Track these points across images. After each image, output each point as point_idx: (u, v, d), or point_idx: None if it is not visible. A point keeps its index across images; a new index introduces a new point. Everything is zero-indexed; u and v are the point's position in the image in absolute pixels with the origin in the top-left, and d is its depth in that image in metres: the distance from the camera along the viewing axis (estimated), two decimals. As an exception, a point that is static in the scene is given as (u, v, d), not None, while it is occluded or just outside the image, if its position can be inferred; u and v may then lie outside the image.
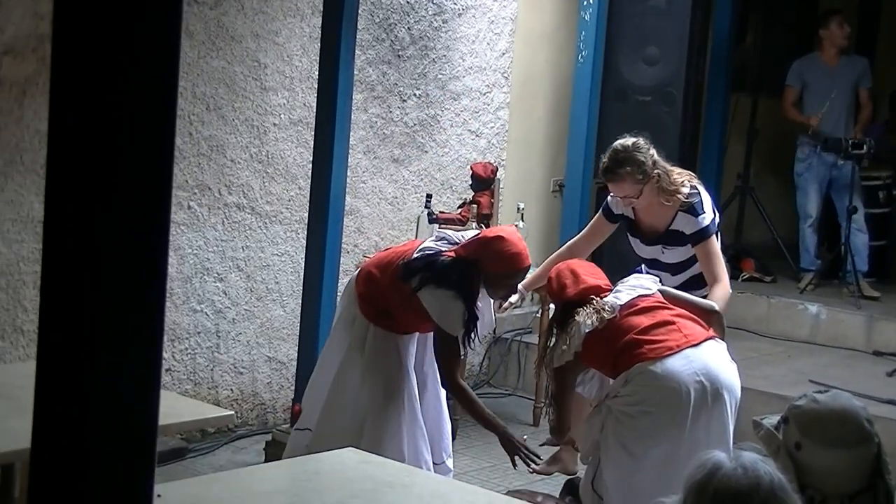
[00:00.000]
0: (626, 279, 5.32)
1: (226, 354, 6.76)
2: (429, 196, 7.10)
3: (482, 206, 7.12)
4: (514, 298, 5.54)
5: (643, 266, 5.81)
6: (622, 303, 5.01)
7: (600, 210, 5.88)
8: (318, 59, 6.51)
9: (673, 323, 4.96)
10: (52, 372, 1.55)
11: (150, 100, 1.50)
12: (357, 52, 6.45)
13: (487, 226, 6.96)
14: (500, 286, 5.22)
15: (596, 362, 5.15)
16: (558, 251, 6.03)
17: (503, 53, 8.11)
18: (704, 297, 5.42)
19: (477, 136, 8.00)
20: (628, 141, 5.59)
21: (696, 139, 8.85)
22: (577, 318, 5.00)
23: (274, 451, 6.18)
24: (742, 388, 5.07)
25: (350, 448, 4.19)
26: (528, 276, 5.62)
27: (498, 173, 7.16)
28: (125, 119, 1.48)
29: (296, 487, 3.68)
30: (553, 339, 5.17)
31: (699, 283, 5.62)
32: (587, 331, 4.95)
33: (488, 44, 8.00)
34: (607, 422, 4.86)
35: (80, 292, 1.52)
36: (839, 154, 9.02)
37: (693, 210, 5.57)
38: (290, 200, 6.94)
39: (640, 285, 5.19)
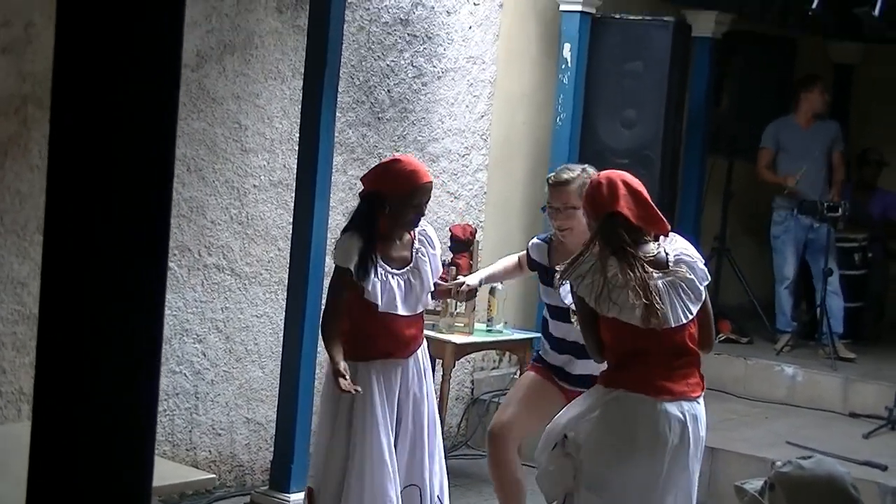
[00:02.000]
0: (681, 251, 4.81)
1: (204, 416, 6.73)
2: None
3: (461, 268, 7.13)
4: (470, 282, 5.62)
5: (554, 330, 5.70)
6: (672, 324, 4.64)
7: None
8: (298, 120, 6.55)
9: (694, 365, 4.77)
10: (46, 435, 1.55)
11: (152, 113, 1.51)
12: (337, 114, 6.48)
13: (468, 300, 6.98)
14: (406, 209, 5.19)
15: (602, 333, 4.78)
16: (510, 261, 6.02)
17: (482, 116, 8.16)
18: None
19: (456, 197, 8.04)
20: (579, 165, 5.72)
21: (674, 201, 8.90)
22: (611, 270, 4.61)
23: (252, 513, 6.17)
24: (720, 449, 5.07)
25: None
26: (482, 271, 5.85)
27: (477, 235, 7.18)
28: (126, 138, 1.49)
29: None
30: (581, 257, 4.76)
31: None
32: (612, 313, 4.61)
33: (467, 106, 8.05)
34: (579, 474, 4.74)
35: (78, 331, 1.52)
36: (815, 217, 9.09)
37: None
38: (269, 262, 6.95)
39: (695, 292, 4.77)
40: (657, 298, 4.58)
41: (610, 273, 4.57)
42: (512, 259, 6.03)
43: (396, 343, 5.28)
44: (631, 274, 4.55)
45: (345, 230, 5.28)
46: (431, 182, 5.29)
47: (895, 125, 10.66)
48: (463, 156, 8.03)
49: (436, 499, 5.40)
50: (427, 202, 5.29)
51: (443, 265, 7.29)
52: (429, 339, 6.89)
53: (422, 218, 5.31)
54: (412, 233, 5.36)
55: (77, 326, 1.52)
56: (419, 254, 5.33)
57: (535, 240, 5.85)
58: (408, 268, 5.28)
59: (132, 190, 1.52)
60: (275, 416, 6.51)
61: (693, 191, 9.33)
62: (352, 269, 5.12)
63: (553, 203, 5.57)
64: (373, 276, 5.14)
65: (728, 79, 9.84)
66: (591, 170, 5.62)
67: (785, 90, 9.79)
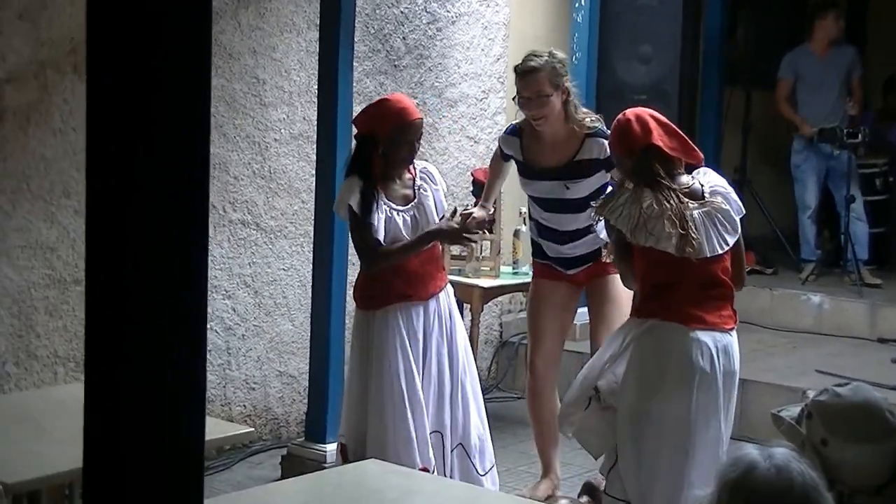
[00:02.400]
0: (716, 183, 4.83)
1: (237, 371, 6.79)
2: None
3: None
4: (478, 213, 5.53)
5: (538, 216, 5.71)
6: (707, 254, 4.66)
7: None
8: (315, 73, 6.56)
9: (727, 297, 4.80)
10: (100, 396, 1.57)
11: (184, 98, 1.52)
12: (354, 63, 6.49)
13: (491, 231, 7.01)
14: (399, 147, 5.19)
15: (636, 265, 4.82)
16: (496, 167, 6.04)
17: (498, 59, 8.15)
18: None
19: (475, 142, 8.04)
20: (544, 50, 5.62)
21: (693, 135, 8.88)
22: (646, 201, 4.63)
23: (290, 465, 6.22)
24: (750, 380, 5.10)
25: (372, 459, 4.23)
26: (484, 198, 5.86)
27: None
28: (161, 116, 1.50)
29: (321, 501, 3.72)
30: (620, 192, 4.80)
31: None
32: (649, 243, 4.62)
33: (482, 50, 8.05)
34: (620, 421, 4.80)
35: (124, 308, 1.53)
36: (835, 144, 9.07)
37: (601, 133, 5.50)
38: (293, 214, 6.98)
39: (731, 223, 4.78)
40: (693, 228, 4.60)
41: (645, 204, 4.60)
42: (493, 165, 6.05)
43: (412, 284, 5.27)
44: (667, 204, 4.58)
45: (345, 177, 5.30)
46: (421, 118, 5.30)
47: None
48: (481, 100, 8.04)
49: (472, 446, 5.38)
50: (419, 138, 5.29)
51: (466, 208, 7.35)
52: (455, 284, 6.93)
53: (415, 154, 5.32)
54: (413, 171, 5.35)
55: (123, 289, 1.53)
56: (421, 190, 5.33)
57: (503, 134, 5.85)
58: (412, 204, 5.29)
59: (173, 150, 1.53)
60: (307, 368, 6.55)
61: (712, 123, 9.29)
62: (353, 205, 5.14)
63: (524, 93, 5.51)
64: (375, 211, 5.15)
65: (742, 9, 9.81)
66: (559, 53, 5.58)
67: (800, 18, 9.75)
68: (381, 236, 5.16)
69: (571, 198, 5.56)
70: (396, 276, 5.23)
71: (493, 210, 5.97)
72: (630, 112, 4.87)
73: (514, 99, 5.65)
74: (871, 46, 10.70)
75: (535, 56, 5.53)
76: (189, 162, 1.55)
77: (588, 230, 5.53)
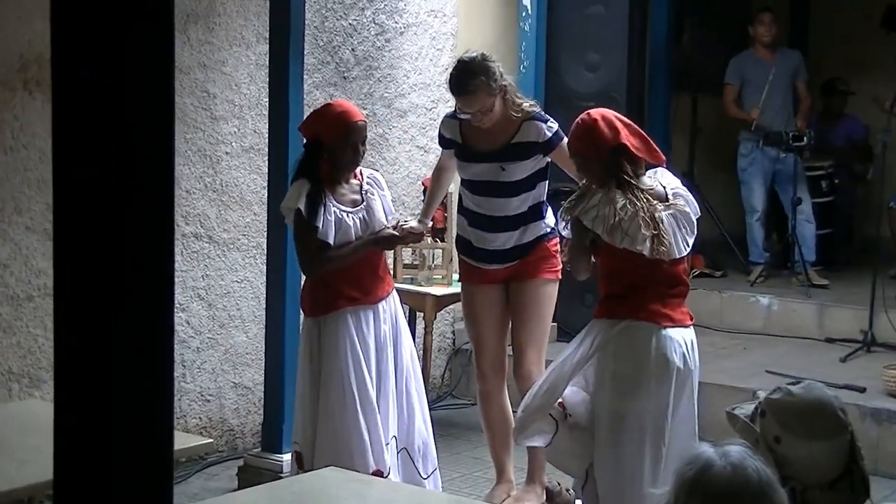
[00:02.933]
0: (676, 185, 4.93)
1: (192, 384, 6.80)
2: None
3: (436, 221, 7.20)
4: (414, 225, 5.55)
5: (471, 203, 5.71)
6: (675, 255, 4.77)
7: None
8: (265, 85, 6.58)
9: (685, 296, 4.91)
10: (69, 408, 1.59)
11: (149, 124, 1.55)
12: (304, 76, 6.51)
13: (443, 239, 7.06)
14: (344, 150, 5.29)
15: (603, 265, 4.88)
16: (436, 179, 6.07)
17: (446, 68, 8.16)
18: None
19: (425, 151, 8.09)
20: (474, 53, 5.62)
21: (641, 141, 8.96)
22: (619, 202, 4.67)
23: (246, 476, 6.23)
24: (702, 382, 5.16)
25: (331, 467, 4.25)
26: (425, 208, 5.89)
27: (450, 187, 7.23)
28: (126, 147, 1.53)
29: (282, 509, 3.74)
30: (590, 192, 4.81)
31: (538, 214, 5.62)
32: (625, 244, 4.67)
33: (431, 60, 8.09)
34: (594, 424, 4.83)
35: (92, 321, 1.56)
36: (781, 147, 9.19)
37: (539, 116, 5.58)
38: (246, 227, 7.00)
39: (690, 225, 4.88)
40: (665, 229, 4.68)
41: (619, 205, 4.65)
42: (434, 176, 6.08)
43: (360, 288, 5.36)
44: (639, 204, 4.64)
45: (292, 182, 5.40)
46: (364, 121, 5.40)
47: (855, 52, 10.73)
48: (430, 109, 8.08)
49: (415, 450, 5.43)
50: (363, 141, 5.37)
51: (406, 221, 7.38)
52: (408, 292, 6.99)
53: (361, 156, 5.39)
54: (360, 177, 5.44)
55: (91, 303, 1.56)
56: (368, 194, 5.43)
57: (444, 117, 5.88)
58: (360, 207, 5.38)
59: (139, 164, 1.56)
60: (262, 379, 6.57)
61: (660, 129, 9.35)
62: (301, 207, 5.22)
63: (467, 110, 5.53)
64: (323, 214, 5.24)
65: (688, 16, 9.91)
66: (488, 58, 5.56)
67: (745, 21, 9.86)
68: (331, 238, 5.25)
69: (506, 180, 5.58)
70: (345, 281, 5.31)
71: (430, 223, 5.97)
72: (595, 112, 4.91)
73: (455, 109, 5.69)
74: (813, 51, 10.83)
75: (467, 74, 5.52)
76: (156, 176, 1.57)
77: (519, 223, 5.57)
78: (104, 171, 1.52)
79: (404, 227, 5.46)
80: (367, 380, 5.26)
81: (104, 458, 1.58)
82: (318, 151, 5.31)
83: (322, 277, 5.34)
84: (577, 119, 4.95)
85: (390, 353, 5.41)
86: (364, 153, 5.43)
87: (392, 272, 6.96)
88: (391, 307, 5.47)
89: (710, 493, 2.45)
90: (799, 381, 3.06)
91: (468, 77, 5.50)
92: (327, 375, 5.25)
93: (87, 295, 1.56)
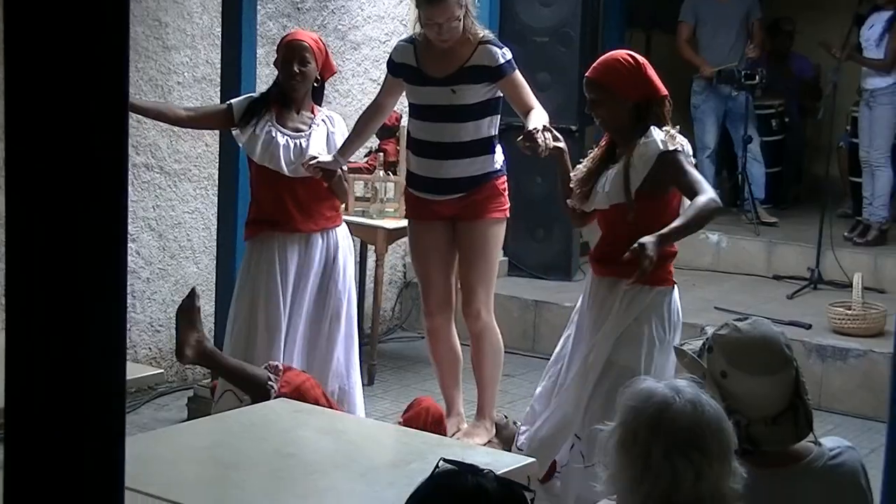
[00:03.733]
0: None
1: (142, 314, 6.79)
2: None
3: (389, 154, 7.21)
4: (322, 159, 5.48)
5: (420, 130, 5.64)
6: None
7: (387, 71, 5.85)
8: (218, 15, 6.53)
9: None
10: (20, 349, 1.59)
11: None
12: (257, 6, 6.47)
13: (395, 173, 7.06)
14: (282, 69, 5.55)
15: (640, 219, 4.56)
16: (364, 116, 5.93)
17: (401, 1, 8.16)
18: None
19: (379, 84, 7.99)
20: None
21: (594, 77, 8.96)
22: (653, 135, 4.59)
23: (196, 407, 6.24)
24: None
25: (281, 398, 4.28)
26: (345, 144, 5.70)
27: (402, 120, 7.23)
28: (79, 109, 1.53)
29: (231, 440, 3.77)
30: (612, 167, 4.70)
31: (487, 148, 5.57)
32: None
33: (385, -8, 8.05)
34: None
35: (43, 271, 1.56)
36: (733, 85, 9.22)
37: (494, 43, 5.55)
38: (197, 158, 6.97)
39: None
40: None
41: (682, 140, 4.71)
42: (368, 109, 5.98)
43: (290, 212, 5.50)
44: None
45: None
46: (302, 40, 5.57)
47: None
48: (384, 42, 8.04)
49: (329, 394, 5.32)
50: (300, 62, 5.50)
51: (370, 151, 7.40)
52: (360, 225, 6.99)
53: (297, 78, 5.50)
54: (315, 112, 5.61)
55: (41, 236, 1.56)
56: (314, 126, 5.57)
57: (398, 44, 5.85)
58: (301, 134, 5.52)
59: (90, 102, 1.55)
60: (212, 310, 6.57)
61: (613, 65, 9.37)
62: (233, 103, 5.57)
63: (437, 20, 5.43)
64: (254, 127, 5.49)
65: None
66: None
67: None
68: (255, 154, 5.50)
69: (457, 103, 5.52)
70: (276, 200, 5.50)
71: (344, 165, 5.78)
72: (637, 55, 4.85)
73: (417, 21, 5.62)
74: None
75: None
76: (106, 121, 1.57)
77: (466, 152, 5.55)
78: (55, 106, 1.51)
79: (311, 161, 5.44)
80: (280, 308, 5.44)
81: (56, 388, 1.59)
82: (274, 87, 5.61)
83: (252, 203, 5.64)
84: (613, 57, 4.81)
85: (318, 290, 5.50)
86: (302, 75, 5.51)
87: (345, 205, 6.98)
88: (332, 243, 5.53)
89: (676, 431, 2.48)
90: (746, 318, 3.09)
91: None
92: (241, 297, 5.54)
93: (38, 230, 1.56)
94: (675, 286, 4.80)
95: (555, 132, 5.01)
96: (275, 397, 4.51)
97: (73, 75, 1.50)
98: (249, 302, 5.48)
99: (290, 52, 5.49)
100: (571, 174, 4.88)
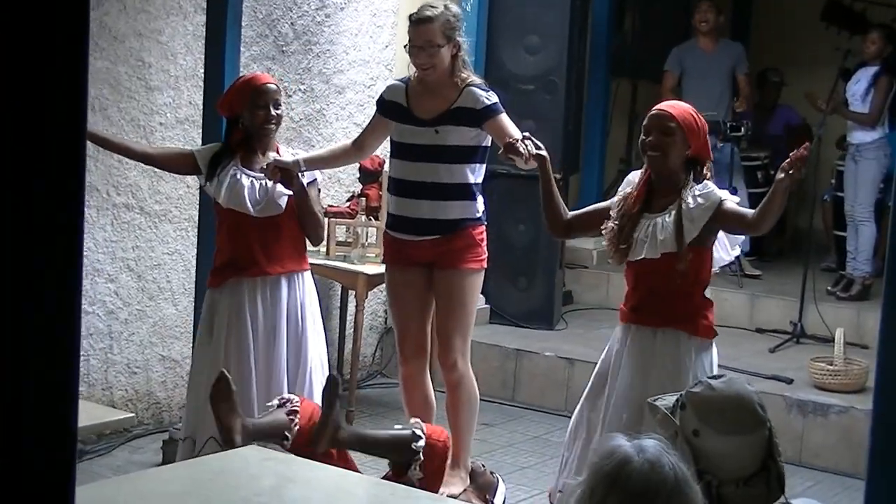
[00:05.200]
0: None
1: (119, 355, 6.74)
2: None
3: (371, 199, 7.19)
4: (288, 159, 5.51)
5: (400, 171, 5.64)
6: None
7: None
8: (202, 57, 6.52)
9: None
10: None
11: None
12: (241, 49, 6.46)
13: (377, 218, 7.04)
14: (254, 115, 5.51)
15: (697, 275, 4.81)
16: (343, 145, 6.07)
17: (386, 46, 8.16)
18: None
19: (362, 128, 8.02)
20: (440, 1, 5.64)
21: (579, 126, 8.99)
22: (710, 186, 4.77)
23: (171, 450, 6.18)
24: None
25: (252, 445, 4.23)
26: (311, 154, 5.82)
27: (385, 165, 7.21)
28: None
29: (202, 487, 3.72)
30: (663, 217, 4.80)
31: (466, 194, 5.55)
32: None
33: (371, 37, 8.05)
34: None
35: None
36: (718, 137, 9.22)
37: (480, 87, 5.55)
38: (178, 199, 6.93)
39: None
40: None
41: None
42: (342, 144, 6.10)
43: (254, 255, 5.47)
44: None
45: None
46: (271, 83, 5.59)
47: (796, 46, 10.79)
48: (368, 87, 8.03)
49: None
50: (275, 104, 5.52)
51: (353, 196, 7.37)
52: (341, 270, 6.97)
53: (273, 122, 5.53)
54: (280, 151, 5.60)
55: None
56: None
57: (392, 82, 5.89)
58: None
59: (45, 135, 1.52)
60: (190, 352, 6.52)
61: (598, 114, 9.40)
62: (195, 152, 5.59)
63: (416, 41, 5.51)
64: (219, 176, 5.46)
65: (629, 1, 9.92)
66: (454, 7, 5.63)
67: (686, 10, 9.89)
68: (221, 197, 5.45)
69: (439, 143, 5.51)
70: (242, 251, 5.47)
71: (302, 164, 5.70)
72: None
73: (405, 47, 5.64)
74: (755, 45, 10.88)
75: (431, 7, 5.54)
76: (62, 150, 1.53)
77: (444, 194, 5.52)
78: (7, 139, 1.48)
79: (270, 161, 5.49)
80: (250, 352, 5.42)
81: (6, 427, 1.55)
82: (235, 122, 5.55)
83: (217, 253, 5.59)
84: (683, 106, 5.06)
85: (282, 336, 5.49)
86: (277, 118, 5.55)
87: (326, 249, 6.96)
88: (298, 288, 5.51)
89: (629, 490, 2.45)
90: (722, 375, 3.07)
91: (429, 7, 5.53)
92: (207, 342, 5.50)
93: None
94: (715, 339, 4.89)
95: (536, 141, 5.00)
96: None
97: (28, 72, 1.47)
98: (216, 350, 5.42)
99: (264, 97, 5.49)
100: (602, 228, 4.92)
